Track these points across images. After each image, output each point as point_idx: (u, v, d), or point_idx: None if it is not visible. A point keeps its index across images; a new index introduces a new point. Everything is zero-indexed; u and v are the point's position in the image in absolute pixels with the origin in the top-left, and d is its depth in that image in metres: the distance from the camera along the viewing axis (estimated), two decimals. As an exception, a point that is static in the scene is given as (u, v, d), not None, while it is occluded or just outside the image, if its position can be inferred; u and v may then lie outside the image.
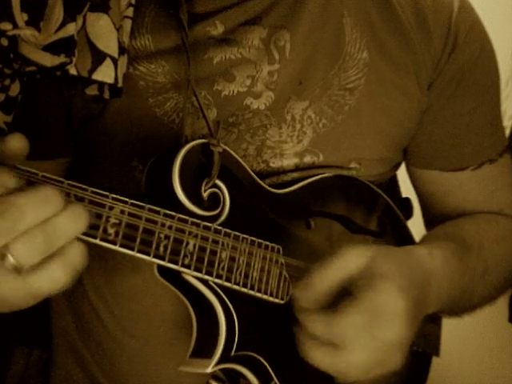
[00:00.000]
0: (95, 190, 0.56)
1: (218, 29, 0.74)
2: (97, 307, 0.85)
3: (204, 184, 0.67)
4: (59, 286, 0.51)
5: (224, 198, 0.69)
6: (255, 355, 0.69)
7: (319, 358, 0.62)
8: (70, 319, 0.90)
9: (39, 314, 0.93)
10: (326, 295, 0.64)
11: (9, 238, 0.48)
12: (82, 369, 0.90)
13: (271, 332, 0.71)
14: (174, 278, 0.67)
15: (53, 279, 0.50)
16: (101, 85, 0.70)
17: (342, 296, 0.63)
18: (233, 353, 0.66)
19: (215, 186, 0.68)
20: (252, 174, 0.73)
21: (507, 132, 1.58)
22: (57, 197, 0.50)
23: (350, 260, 0.65)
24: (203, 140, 0.68)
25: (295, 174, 0.79)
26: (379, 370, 0.64)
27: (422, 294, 0.68)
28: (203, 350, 0.67)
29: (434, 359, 0.92)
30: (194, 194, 0.66)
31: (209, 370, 0.65)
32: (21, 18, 0.59)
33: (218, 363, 0.65)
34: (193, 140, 0.68)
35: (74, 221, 0.50)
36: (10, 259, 0.48)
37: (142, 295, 0.81)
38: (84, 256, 0.52)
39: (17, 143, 0.51)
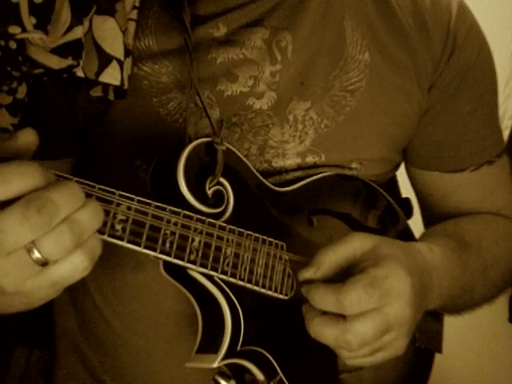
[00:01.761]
0: (102, 187, 0.57)
1: (220, 30, 0.75)
2: (100, 306, 0.86)
3: (208, 182, 0.68)
4: (80, 275, 0.52)
5: (228, 196, 0.70)
6: (261, 350, 0.69)
7: (327, 331, 0.63)
8: (72, 318, 0.91)
9: (40, 314, 0.93)
10: (330, 271, 0.66)
11: (42, 232, 0.48)
12: (85, 367, 0.90)
13: (276, 327, 0.72)
14: (179, 274, 0.68)
15: (75, 269, 0.51)
16: (105, 86, 0.70)
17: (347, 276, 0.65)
18: (239, 348, 0.67)
19: (219, 183, 0.69)
20: (255, 172, 0.74)
21: (507, 132, 1.58)
22: (81, 193, 0.51)
23: (356, 242, 0.67)
24: (207, 138, 0.69)
25: (297, 173, 0.80)
26: (385, 354, 0.66)
27: (424, 285, 0.69)
28: (209, 345, 0.68)
29: (434, 358, 0.92)
30: (198, 192, 0.67)
31: (215, 364, 0.65)
32: (29, 21, 0.59)
33: (224, 358, 0.66)
34: (197, 139, 0.69)
35: (95, 215, 0.51)
36: (37, 254, 0.48)
37: (145, 293, 0.82)
38: (100, 244, 0.53)
39: (27, 138, 0.52)
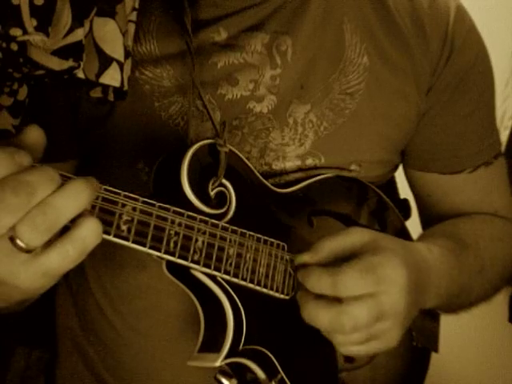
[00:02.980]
0: (108, 187, 0.58)
1: (221, 35, 0.75)
2: (102, 305, 0.86)
3: (211, 183, 0.69)
4: (68, 266, 0.51)
5: (230, 197, 0.70)
6: (262, 349, 0.70)
7: (322, 314, 0.63)
8: (74, 318, 0.91)
9: (40, 314, 0.94)
10: (327, 258, 0.67)
11: (20, 214, 0.48)
12: (87, 367, 0.90)
13: (277, 327, 0.72)
14: (181, 274, 0.68)
15: (62, 259, 0.50)
16: (105, 87, 0.70)
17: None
18: (241, 347, 0.67)
19: (222, 185, 0.70)
20: (257, 173, 0.74)
21: (507, 132, 1.59)
22: (57, 176, 0.50)
23: (354, 235, 0.68)
24: (210, 140, 0.69)
25: (297, 175, 0.81)
26: (378, 343, 0.66)
27: (422, 283, 0.70)
28: (211, 344, 0.69)
29: (435, 359, 0.92)
30: (201, 193, 0.68)
31: (217, 363, 0.66)
32: (30, 23, 0.60)
33: (226, 357, 0.66)
34: (200, 140, 0.69)
35: (73, 197, 0.50)
36: (19, 242, 0.48)
37: (148, 292, 0.83)
38: (97, 233, 0.52)
39: (33, 134, 0.53)
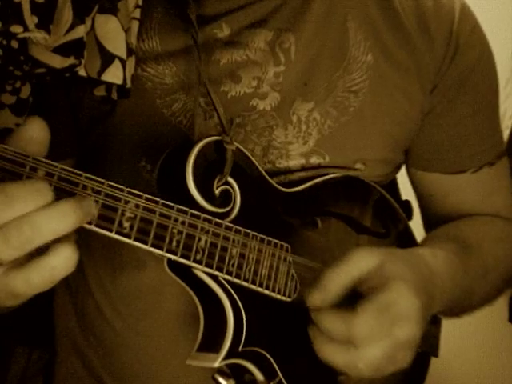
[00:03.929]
0: (111, 183, 0.57)
1: (224, 31, 0.75)
2: (102, 306, 0.86)
3: (216, 181, 0.68)
4: (34, 290, 0.49)
5: (235, 195, 0.69)
6: (262, 351, 0.69)
7: (336, 356, 0.63)
8: (73, 318, 0.91)
9: (40, 314, 0.94)
10: (338, 296, 0.65)
11: None
12: (85, 367, 0.90)
13: (278, 329, 0.72)
14: (183, 272, 0.68)
15: (29, 282, 0.48)
16: (109, 86, 0.70)
17: (353, 296, 0.64)
18: (240, 348, 0.67)
19: (227, 183, 0.69)
20: (262, 172, 0.73)
21: (507, 132, 1.59)
22: (47, 192, 0.48)
23: (361, 262, 0.66)
24: (217, 137, 0.68)
25: (302, 174, 0.80)
26: (391, 367, 0.65)
27: (429, 295, 0.69)
28: (210, 344, 0.68)
29: (435, 359, 0.92)
30: (206, 191, 0.67)
31: (216, 364, 0.65)
32: (31, 20, 0.59)
33: (225, 358, 0.66)
34: (206, 137, 0.68)
35: (57, 220, 0.47)
36: None
37: (148, 293, 0.82)
38: (70, 263, 0.49)
39: (37, 126, 0.51)
